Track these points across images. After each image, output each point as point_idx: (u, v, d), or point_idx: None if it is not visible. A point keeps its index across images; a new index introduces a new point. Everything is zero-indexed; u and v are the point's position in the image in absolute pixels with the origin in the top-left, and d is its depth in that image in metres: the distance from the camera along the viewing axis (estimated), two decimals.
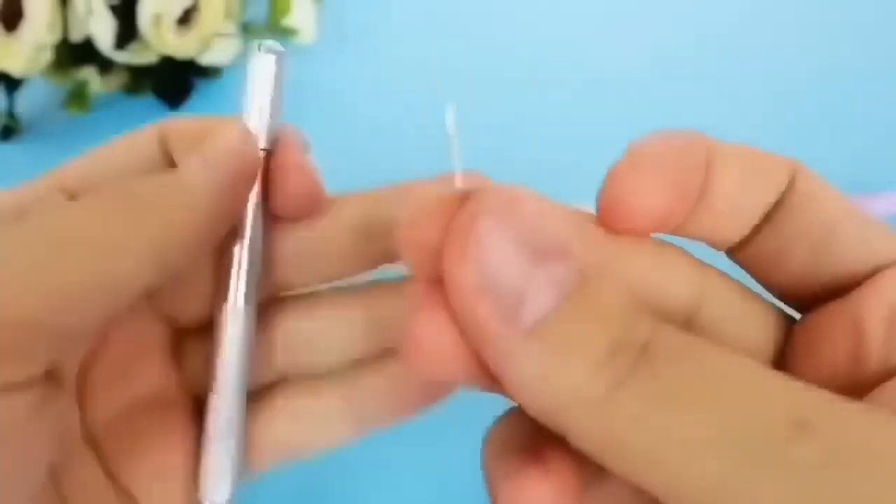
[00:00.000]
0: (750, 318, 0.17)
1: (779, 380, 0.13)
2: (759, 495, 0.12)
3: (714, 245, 0.17)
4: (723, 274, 0.17)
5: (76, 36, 0.41)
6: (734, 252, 0.17)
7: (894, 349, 0.15)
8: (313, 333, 0.21)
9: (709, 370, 0.13)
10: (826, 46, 0.50)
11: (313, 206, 0.20)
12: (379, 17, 0.53)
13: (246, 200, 0.20)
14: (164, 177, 0.18)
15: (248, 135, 0.19)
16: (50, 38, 0.40)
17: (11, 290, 0.16)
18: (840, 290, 0.16)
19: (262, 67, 0.20)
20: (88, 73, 0.43)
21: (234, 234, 0.20)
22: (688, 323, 0.17)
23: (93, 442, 0.19)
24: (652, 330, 0.13)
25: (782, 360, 0.17)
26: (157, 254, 0.17)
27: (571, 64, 0.49)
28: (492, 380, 0.14)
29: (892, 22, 0.52)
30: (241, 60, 0.47)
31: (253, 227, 0.20)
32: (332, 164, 0.49)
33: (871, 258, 0.16)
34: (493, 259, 0.13)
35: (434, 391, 0.20)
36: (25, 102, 0.45)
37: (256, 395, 0.21)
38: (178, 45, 0.42)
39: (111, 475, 0.19)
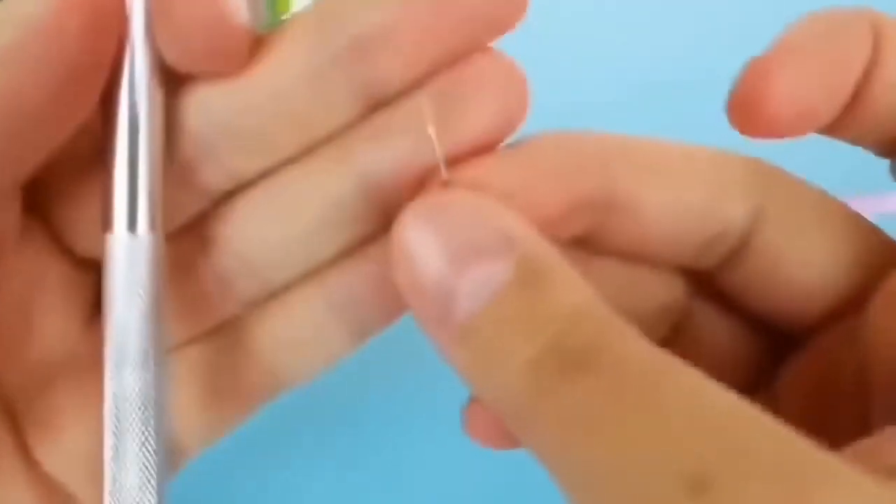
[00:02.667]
0: (819, 246, 0.15)
1: (708, 417, 0.11)
2: None
3: (875, 150, 0.15)
4: (797, 191, 0.15)
5: None
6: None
7: None
8: (268, 243, 0.16)
9: (635, 396, 0.11)
10: None
11: (228, 48, 0.13)
12: None
13: (94, 64, 0.13)
14: None
15: None
16: None
17: None
18: None
19: None
20: None
21: (111, 122, 0.13)
22: (740, 249, 0.15)
23: (7, 411, 0.15)
24: (596, 335, 0.12)
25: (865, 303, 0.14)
26: None
27: (573, 64, 0.49)
28: None
29: None
30: None
31: (139, 106, 0.13)
32: None
33: None
34: (419, 262, 0.13)
35: None
36: None
37: (220, 329, 0.17)
38: None
39: (28, 453, 0.15)
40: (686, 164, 0.15)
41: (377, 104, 0.15)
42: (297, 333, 0.16)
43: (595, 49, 0.50)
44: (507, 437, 0.16)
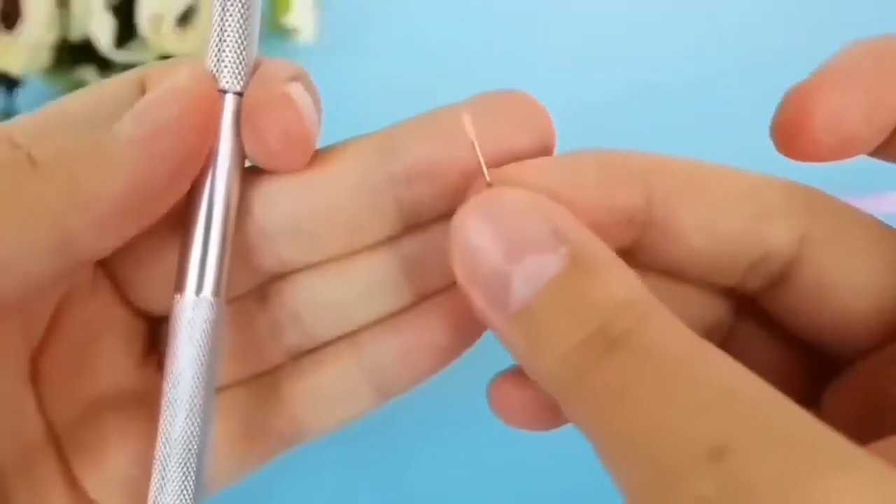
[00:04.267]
0: (867, 271, 0.15)
1: (735, 395, 0.11)
2: None
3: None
4: (843, 216, 0.15)
5: (75, 35, 0.41)
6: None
7: None
8: (319, 303, 0.18)
9: (669, 373, 0.12)
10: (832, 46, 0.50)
11: (300, 150, 0.16)
12: (379, 17, 0.53)
13: (198, 156, 0.16)
14: (78, 137, 0.15)
15: (195, 72, 0.16)
16: (48, 37, 0.40)
17: None
18: None
19: None
20: (87, 73, 0.43)
21: (195, 202, 0.16)
22: (785, 273, 0.16)
23: (55, 441, 0.17)
24: (638, 323, 0.13)
25: None
26: (65, 230, 0.14)
27: (573, 64, 0.49)
28: None
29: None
30: None
31: (217, 193, 0.16)
32: None
33: None
34: (476, 252, 0.14)
35: (455, 345, 0.18)
36: (24, 102, 0.44)
37: (260, 376, 0.18)
38: (178, 45, 0.42)
39: (73, 480, 0.17)
40: (725, 187, 0.16)
41: (416, 224, 0.17)
42: (326, 389, 0.18)
43: (595, 49, 0.50)
44: (532, 415, 0.17)
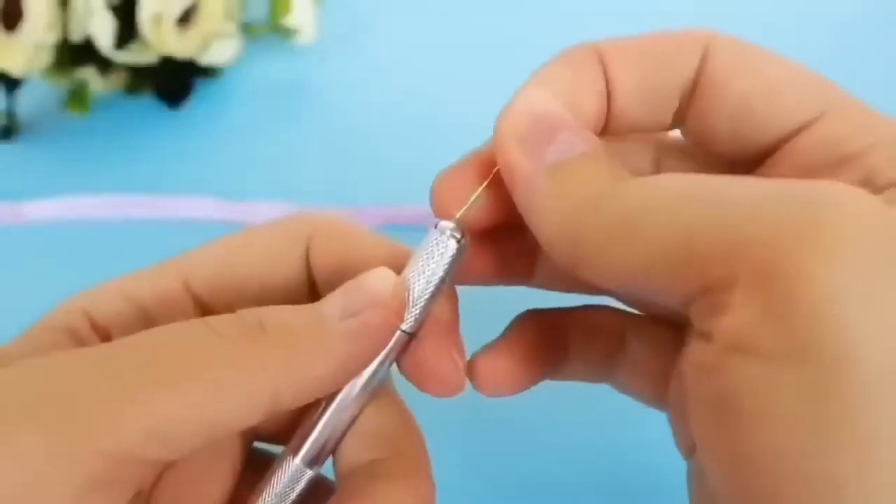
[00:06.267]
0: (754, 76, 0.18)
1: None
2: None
3: (652, 131, 0.19)
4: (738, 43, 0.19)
5: (76, 36, 0.41)
6: (684, 133, 0.19)
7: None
8: None
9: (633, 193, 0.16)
10: (826, 46, 0.50)
11: (449, 393, 0.19)
12: (379, 17, 0.53)
13: (371, 361, 0.18)
14: (300, 314, 0.17)
15: (398, 290, 0.18)
16: (49, 37, 0.40)
17: (116, 420, 0.15)
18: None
19: (439, 248, 0.18)
20: (88, 73, 0.43)
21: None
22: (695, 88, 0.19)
23: None
24: (624, 183, 0.16)
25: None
26: (275, 395, 0.16)
27: None
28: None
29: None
30: (241, 60, 0.47)
31: (359, 392, 0.18)
32: (332, 163, 0.49)
33: (785, 130, 0.17)
34: (528, 119, 0.18)
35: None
36: (25, 102, 0.44)
37: None
38: (178, 45, 0.42)
39: None
40: (654, 48, 0.20)
41: None
42: None
43: None
44: (511, 380, 0.20)
